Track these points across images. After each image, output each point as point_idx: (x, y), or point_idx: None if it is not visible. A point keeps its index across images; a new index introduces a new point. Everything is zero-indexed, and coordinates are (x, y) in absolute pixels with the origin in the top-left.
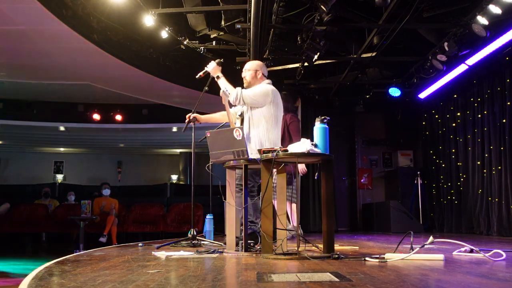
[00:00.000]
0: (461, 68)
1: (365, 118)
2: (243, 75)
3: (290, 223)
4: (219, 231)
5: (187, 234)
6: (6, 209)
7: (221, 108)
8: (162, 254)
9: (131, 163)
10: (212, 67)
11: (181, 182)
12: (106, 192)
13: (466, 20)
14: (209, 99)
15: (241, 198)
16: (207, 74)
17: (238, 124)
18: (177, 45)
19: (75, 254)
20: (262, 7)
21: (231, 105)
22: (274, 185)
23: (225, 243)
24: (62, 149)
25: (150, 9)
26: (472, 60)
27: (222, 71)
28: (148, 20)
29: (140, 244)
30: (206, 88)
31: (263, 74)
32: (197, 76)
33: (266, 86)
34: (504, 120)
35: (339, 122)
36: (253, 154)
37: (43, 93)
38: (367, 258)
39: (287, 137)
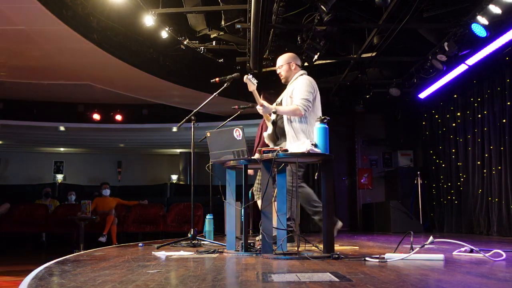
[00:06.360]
0: (461, 68)
1: (365, 118)
2: (278, 71)
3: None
4: (219, 231)
5: (187, 234)
6: (6, 209)
7: (222, 107)
8: (162, 254)
9: (131, 163)
10: (266, 109)
11: (181, 182)
12: (106, 192)
13: (466, 20)
14: (214, 99)
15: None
16: (224, 81)
17: (273, 117)
18: (177, 45)
19: (75, 254)
20: (262, 7)
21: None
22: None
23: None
24: (62, 149)
25: (150, 9)
26: (472, 60)
27: (223, 73)
28: (148, 20)
29: (140, 244)
30: (216, 94)
31: (296, 64)
32: (245, 79)
33: (304, 80)
34: (504, 120)
35: (339, 122)
36: (289, 147)
37: (43, 93)
38: (367, 258)
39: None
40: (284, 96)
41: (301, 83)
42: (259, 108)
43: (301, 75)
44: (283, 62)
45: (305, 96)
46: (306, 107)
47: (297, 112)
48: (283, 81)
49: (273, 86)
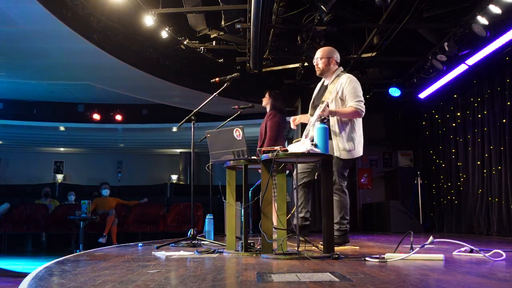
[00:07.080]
0: (461, 68)
1: (365, 118)
2: (315, 62)
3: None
4: (219, 231)
5: (187, 234)
6: (6, 209)
7: (222, 107)
8: (162, 254)
9: (131, 163)
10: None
11: (181, 182)
12: (106, 192)
13: (466, 20)
14: (214, 99)
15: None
16: (224, 81)
17: (314, 118)
18: (177, 45)
19: (75, 254)
20: (262, 7)
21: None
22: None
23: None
24: (62, 149)
25: (150, 9)
26: (472, 60)
27: (223, 73)
28: (148, 20)
29: (140, 244)
30: (216, 94)
31: (336, 61)
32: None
33: (353, 81)
34: (504, 120)
35: None
36: (337, 151)
37: (43, 93)
38: (367, 258)
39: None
40: (329, 97)
41: (350, 83)
42: (317, 114)
43: (342, 72)
44: (324, 55)
45: (360, 98)
46: (364, 108)
47: (356, 115)
48: (317, 72)
49: (273, 86)
